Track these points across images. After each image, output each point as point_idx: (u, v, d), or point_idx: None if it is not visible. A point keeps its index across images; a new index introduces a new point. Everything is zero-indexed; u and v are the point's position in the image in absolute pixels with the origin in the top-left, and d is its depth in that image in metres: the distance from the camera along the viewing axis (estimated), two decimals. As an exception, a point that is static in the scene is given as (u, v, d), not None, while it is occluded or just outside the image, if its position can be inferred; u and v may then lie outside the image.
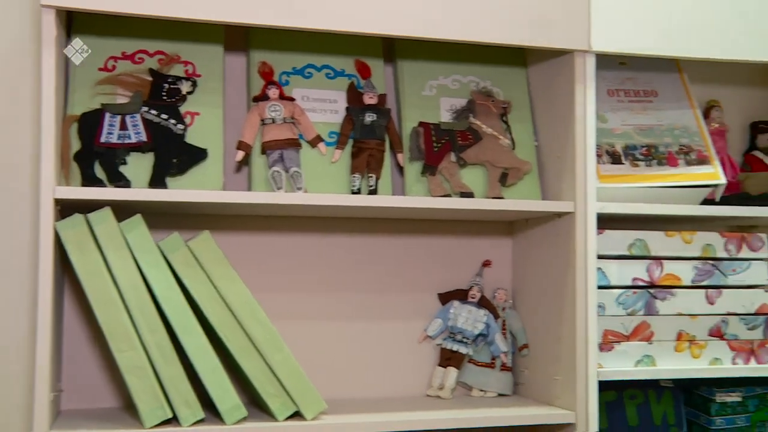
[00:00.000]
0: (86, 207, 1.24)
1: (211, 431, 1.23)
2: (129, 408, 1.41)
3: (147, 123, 1.33)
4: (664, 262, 1.50)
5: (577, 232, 1.42)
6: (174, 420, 1.24)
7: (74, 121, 1.30)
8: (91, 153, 1.29)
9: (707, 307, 1.52)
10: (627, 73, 1.63)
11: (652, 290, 1.50)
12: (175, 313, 1.24)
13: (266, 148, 1.39)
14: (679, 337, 1.50)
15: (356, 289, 1.58)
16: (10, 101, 1.41)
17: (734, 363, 1.53)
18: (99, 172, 1.30)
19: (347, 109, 1.45)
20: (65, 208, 1.27)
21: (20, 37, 1.41)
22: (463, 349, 1.56)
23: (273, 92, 1.41)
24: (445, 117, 1.51)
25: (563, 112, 1.46)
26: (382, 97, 1.46)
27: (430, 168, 1.45)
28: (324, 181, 1.42)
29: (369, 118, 1.44)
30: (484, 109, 1.51)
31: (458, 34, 1.35)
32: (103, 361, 1.45)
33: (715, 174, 1.54)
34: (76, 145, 1.30)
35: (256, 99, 1.41)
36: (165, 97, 1.35)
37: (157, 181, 1.31)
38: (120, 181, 1.29)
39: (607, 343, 1.46)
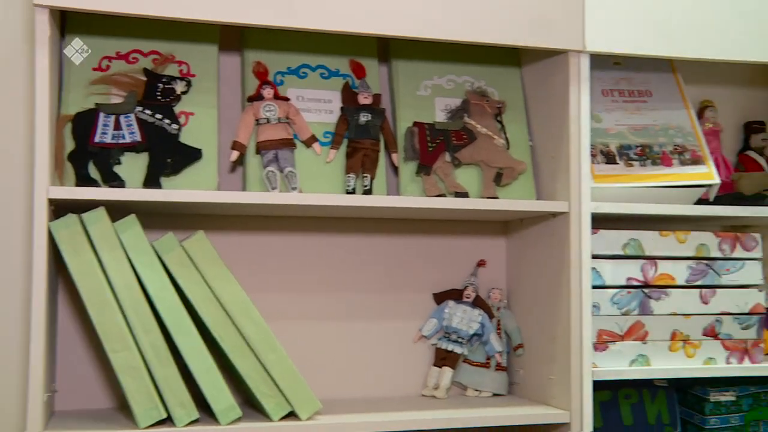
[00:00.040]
0: (80, 207, 1.24)
1: (205, 431, 1.23)
2: (123, 408, 1.41)
3: (141, 123, 1.32)
4: (659, 261, 1.51)
5: (572, 231, 1.42)
6: (168, 420, 1.23)
7: (68, 121, 1.30)
8: (86, 153, 1.29)
9: (701, 306, 1.52)
10: (621, 73, 1.63)
11: (646, 290, 1.50)
12: (170, 313, 1.23)
13: (261, 148, 1.39)
14: (674, 336, 1.51)
15: (351, 289, 1.58)
16: (3, 101, 1.41)
17: (728, 362, 1.53)
18: (93, 172, 1.29)
19: (342, 109, 1.45)
20: (59, 209, 1.27)
21: (14, 36, 1.41)
22: (458, 349, 1.56)
23: (268, 92, 1.41)
24: (440, 117, 1.51)
25: (558, 112, 1.46)
26: (376, 97, 1.46)
27: (424, 168, 1.45)
28: (319, 181, 1.42)
29: (364, 118, 1.44)
30: (478, 109, 1.51)
31: (453, 34, 1.35)
32: (98, 361, 1.44)
33: (709, 174, 1.55)
34: (70, 145, 1.29)
35: (251, 99, 1.41)
36: (159, 97, 1.35)
37: (151, 181, 1.31)
38: (114, 181, 1.29)
39: (601, 343, 1.47)
